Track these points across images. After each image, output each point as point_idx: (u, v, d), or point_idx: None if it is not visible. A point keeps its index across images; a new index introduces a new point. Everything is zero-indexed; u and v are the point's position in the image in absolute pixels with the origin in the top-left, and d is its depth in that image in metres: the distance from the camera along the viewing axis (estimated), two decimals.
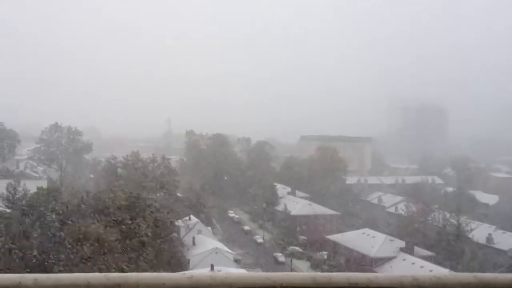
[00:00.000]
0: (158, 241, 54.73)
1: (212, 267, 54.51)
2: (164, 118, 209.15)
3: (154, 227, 54.52)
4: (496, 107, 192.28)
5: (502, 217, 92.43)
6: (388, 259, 74.29)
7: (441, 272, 59.61)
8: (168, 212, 64.25)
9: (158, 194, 74.78)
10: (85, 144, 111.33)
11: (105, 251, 44.57)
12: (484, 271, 73.46)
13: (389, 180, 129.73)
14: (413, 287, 2.66)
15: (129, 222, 51.50)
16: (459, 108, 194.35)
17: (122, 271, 42.94)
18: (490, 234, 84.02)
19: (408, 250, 75.36)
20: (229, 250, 70.59)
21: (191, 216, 78.73)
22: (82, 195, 54.92)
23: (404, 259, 72.89)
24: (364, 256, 76.83)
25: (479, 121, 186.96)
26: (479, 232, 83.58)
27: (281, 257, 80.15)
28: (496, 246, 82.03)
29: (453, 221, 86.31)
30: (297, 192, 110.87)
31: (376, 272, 71.04)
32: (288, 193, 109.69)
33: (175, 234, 65.08)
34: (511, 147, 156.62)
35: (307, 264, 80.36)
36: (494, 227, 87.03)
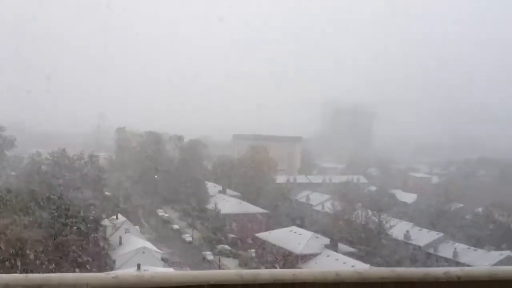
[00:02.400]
0: (83, 241, 54.19)
1: (138, 266, 54.51)
2: (97, 113, 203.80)
3: (79, 226, 53.94)
4: (421, 110, 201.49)
5: (419, 215, 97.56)
6: (314, 255, 76.80)
7: (362, 267, 62.78)
8: (93, 211, 63.59)
9: (84, 193, 73.63)
10: (6, 139, 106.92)
11: (26, 251, 43.85)
12: (401, 265, 77.75)
13: (317, 179, 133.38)
14: (335, 282, 2.74)
15: (52, 221, 50.74)
16: (387, 110, 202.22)
17: (44, 271, 42.37)
18: (407, 231, 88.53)
19: (333, 246, 78.20)
20: (157, 249, 70.63)
21: (119, 215, 78.09)
22: (1, 194, 53.38)
23: (328, 256, 75.57)
24: (290, 253, 78.91)
25: (403, 124, 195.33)
26: (398, 229, 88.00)
27: (209, 256, 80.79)
28: (413, 242, 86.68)
29: (375, 218, 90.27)
30: (228, 190, 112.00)
31: (301, 268, 73.32)
32: (219, 192, 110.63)
33: (100, 233, 64.52)
34: (430, 149, 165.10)
35: (236, 262, 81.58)
36: (411, 224, 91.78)
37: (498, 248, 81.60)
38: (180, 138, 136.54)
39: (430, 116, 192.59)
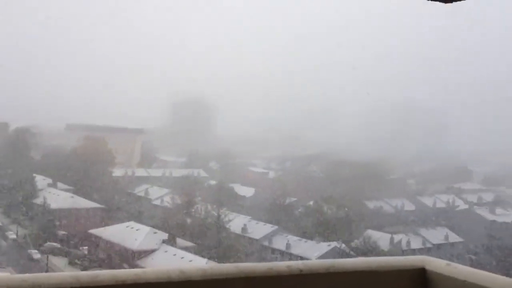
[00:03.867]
0: None
1: None
2: None
3: None
4: (261, 107, 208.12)
5: (256, 209, 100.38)
6: (151, 251, 75.04)
7: (200, 262, 61.78)
8: None
9: None
10: None
11: None
12: (239, 258, 79.17)
13: (157, 172, 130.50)
14: (181, 280, 2.64)
15: None
16: (228, 104, 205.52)
17: None
18: (245, 225, 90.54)
19: (171, 242, 77.10)
20: None
21: None
22: None
23: (166, 251, 74.32)
24: (127, 249, 76.19)
25: (244, 118, 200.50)
26: (236, 222, 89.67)
27: (36, 254, 74.70)
28: (250, 235, 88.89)
29: (214, 212, 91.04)
30: (59, 184, 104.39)
31: (142, 266, 70.50)
32: (49, 185, 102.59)
33: None
34: (268, 144, 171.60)
35: (66, 260, 76.29)
36: (249, 217, 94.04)
37: (326, 239, 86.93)
38: (5, 126, 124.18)
39: (270, 112, 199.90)
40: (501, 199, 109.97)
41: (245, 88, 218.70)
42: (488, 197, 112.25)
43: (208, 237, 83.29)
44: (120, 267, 70.53)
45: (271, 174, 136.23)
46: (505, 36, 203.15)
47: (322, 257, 78.62)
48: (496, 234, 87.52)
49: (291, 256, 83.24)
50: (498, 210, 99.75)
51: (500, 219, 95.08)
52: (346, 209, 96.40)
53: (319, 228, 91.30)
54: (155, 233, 78.33)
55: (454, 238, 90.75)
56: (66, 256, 77.32)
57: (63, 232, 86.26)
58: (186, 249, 74.48)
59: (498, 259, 77.75)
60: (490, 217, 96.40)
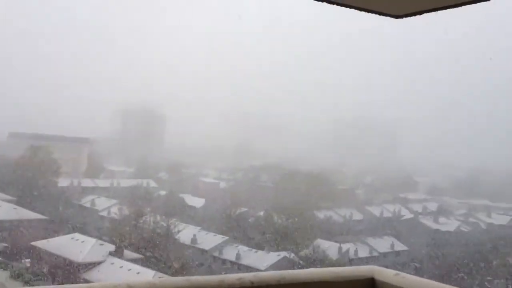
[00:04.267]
0: None
1: None
2: None
3: None
4: (212, 115, 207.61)
5: (206, 219, 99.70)
6: (97, 263, 72.90)
7: (149, 274, 60.49)
8: None
9: None
10: None
11: None
12: (189, 269, 78.18)
13: (104, 183, 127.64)
14: None
15: None
16: (178, 113, 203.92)
17: None
18: (194, 235, 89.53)
19: (118, 253, 75.24)
20: None
21: None
22: None
23: (112, 263, 72.34)
24: (71, 262, 73.76)
25: (195, 128, 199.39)
26: (186, 233, 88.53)
27: None
28: (199, 246, 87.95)
29: (163, 223, 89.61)
30: (1, 195, 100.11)
31: (87, 279, 68.24)
32: None
33: None
34: (219, 155, 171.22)
35: (7, 274, 72.99)
36: (199, 228, 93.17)
37: (276, 249, 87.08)
38: None
39: (221, 123, 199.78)
40: (444, 209, 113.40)
41: (196, 98, 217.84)
42: (432, 206, 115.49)
43: (156, 248, 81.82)
44: (65, 280, 68.35)
45: (222, 185, 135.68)
46: (452, 55, 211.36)
47: (272, 266, 78.68)
48: (440, 242, 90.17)
49: (241, 267, 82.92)
50: (441, 219, 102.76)
51: (443, 228, 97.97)
52: (296, 219, 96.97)
53: (270, 238, 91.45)
54: (101, 244, 76.20)
55: (399, 246, 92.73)
56: (7, 269, 74.04)
57: (5, 245, 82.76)
58: (133, 261, 72.74)
59: (442, 267, 79.91)
60: (433, 226, 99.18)
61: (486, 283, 79.34)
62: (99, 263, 71.81)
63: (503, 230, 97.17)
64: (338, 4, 2.73)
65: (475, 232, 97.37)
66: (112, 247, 75.43)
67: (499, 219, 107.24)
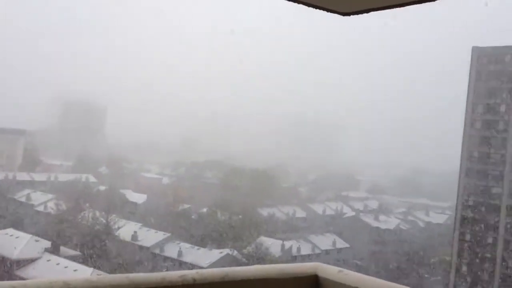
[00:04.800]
0: None
1: None
2: None
3: None
4: (155, 112, 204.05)
5: (148, 215, 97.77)
6: (32, 260, 70.29)
7: (86, 271, 58.29)
8: None
9: None
10: None
11: None
12: (129, 267, 76.22)
13: (41, 177, 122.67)
14: None
15: None
16: (124, 109, 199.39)
17: None
18: (135, 232, 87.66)
19: (54, 250, 72.79)
20: None
21: None
22: None
23: (48, 260, 70.01)
24: (5, 258, 70.67)
25: (136, 122, 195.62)
26: (126, 230, 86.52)
27: None
28: (140, 243, 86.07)
29: (102, 219, 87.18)
30: None
31: (22, 276, 65.30)
32: None
33: None
34: (162, 149, 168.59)
35: None
36: (140, 224, 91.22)
37: (219, 246, 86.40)
38: None
39: (165, 117, 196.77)
40: (384, 207, 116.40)
41: (140, 91, 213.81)
42: (373, 204, 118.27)
43: (95, 245, 79.44)
44: None
45: (165, 180, 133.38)
46: (400, 57, 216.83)
47: (214, 264, 77.98)
48: (379, 240, 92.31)
49: (183, 264, 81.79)
50: (382, 217, 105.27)
51: (383, 226, 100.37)
52: (239, 216, 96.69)
53: (213, 235, 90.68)
54: (36, 241, 73.34)
55: (341, 244, 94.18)
56: None
57: None
58: (71, 258, 70.37)
59: (382, 264, 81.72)
60: (374, 223, 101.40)
61: (424, 279, 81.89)
62: (34, 260, 69.12)
63: (440, 229, 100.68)
64: None
65: (413, 230, 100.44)
66: (48, 244, 72.79)
67: (437, 218, 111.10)
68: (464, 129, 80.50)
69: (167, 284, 2.88)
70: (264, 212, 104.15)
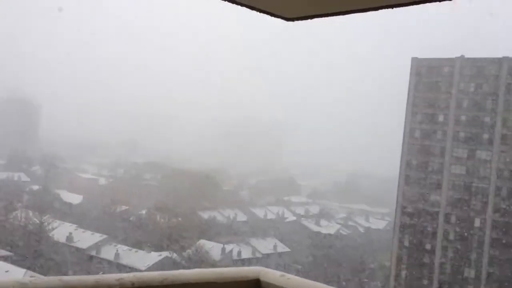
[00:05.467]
0: None
1: None
2: None
3: None
4: (101, 110, 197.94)
5: (84, 216, 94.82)
6: None
7: (18, 272, 55.22)
8: None
9: None
10: None
11: None
12: (63, 268, 73.21)
13: None
14: None
15: None
16: (58, 106, 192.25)
17: None
18: (70, 233, 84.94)
19: None
20: None
21: None
22: None
23: None
24: None
25: (71, 121, 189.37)
26: (60, 231, 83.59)
27: None
28: (76, 244, 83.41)
29: (36, 220, 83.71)
30: None
31: None
32: None
33: None
34: (100, 150, 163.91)
35: None
36: (75, 226, 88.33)
37: (159, 249, 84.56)
38: None
39: (103, 115, 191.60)
40: (325, 212, 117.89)
41: (78, 90, 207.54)
42: (314, 209, 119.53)
43: (28, 245, 75.94)
44: None
45: (102, 181, 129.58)
46: (345, 59, 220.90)
47: (152, 266, 76.25)
48: (320, 244, 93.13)
49: (120, 267, 79.62)
50: (323, 222, 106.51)
51: (324, 231, 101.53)
52: (179, 218, 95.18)
53: (151, 237, 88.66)
54: None
55: (282, 248, 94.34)
56: None
57: None
58: (2, 258, 66.96)
59: (322, 269, 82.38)
60: (315, 228, 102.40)
61: (363, 284, 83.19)
62: None
63: (379, 234, 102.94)
64: (232, 1, 2.64)
65: (354, 235, 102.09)
66: None
67: (376, 223, 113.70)
68: (404, 137, 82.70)
69: (103, 287, 2.77)
70: (205, 215, 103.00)
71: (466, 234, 75.41)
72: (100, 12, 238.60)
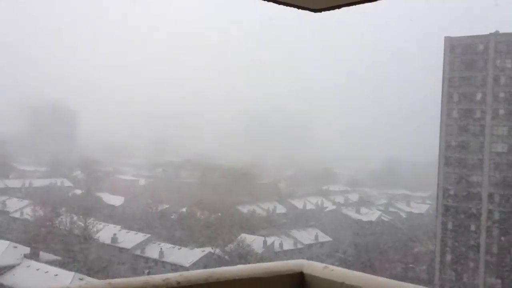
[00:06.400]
0: None
1: None
2: None
3: None
4: (124, 114, 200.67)
5: (126, 217, 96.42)
6: (11, 267, 68.59)
7: (67, 275, 56.57)
8: None
9: None
10: None
11: None
12: (110, 269, 74.80)
13: (15, 183, 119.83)
14: None
15: None
16: (92, 111, 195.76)
17: None
18: (115, 234, 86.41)
19: (33, 256, 71.32)
20: None
21: None
22: None
23: (28, 266, 68.55)
24: None
25: (107, 125, 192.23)
26: (105, 232, 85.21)
27: None
28: (121, 245, 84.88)
29: (80, 223, 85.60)
30: None
31: (1, 283, 63.40)
32: None
33: None
34: (136, 151, 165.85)
35: None
36: (119, 227, 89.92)
37: (201, 245, 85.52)
38: None
39: (132, 118, 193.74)
40: (365, 199, 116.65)
41: (108, 94, 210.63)
42: (354, 197, 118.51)
43: (74, 249, 77.83)
44: None
45: (142, 182, 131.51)
46: (369, 48, 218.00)
47: (196, 263, 77.22)
48: (362, 232, 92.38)
49: (165, 265, 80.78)
50: (363, 210, 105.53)
51: (365, 218, 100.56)
52: (219, 214, 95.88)
53: (193, 234, 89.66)
54: (15, 247, 71.62)
55: (323, 237, 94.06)
56: None
57: None
58: (51, 263, 68.71)
59: (366, 256, 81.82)
60: (356, 216, 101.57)
61: (409, 270, 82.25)
62: (13, 266, 67.16)
63: (422, 219, 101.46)
64: None
65: (395, 221, 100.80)
66: (27, 250, 71.06)
67: (418, 208, 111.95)
68: (441, 118, 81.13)
69: None
70: (244, 209, 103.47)
71: (511, 213, 73.69)
72: (128, 17, 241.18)
